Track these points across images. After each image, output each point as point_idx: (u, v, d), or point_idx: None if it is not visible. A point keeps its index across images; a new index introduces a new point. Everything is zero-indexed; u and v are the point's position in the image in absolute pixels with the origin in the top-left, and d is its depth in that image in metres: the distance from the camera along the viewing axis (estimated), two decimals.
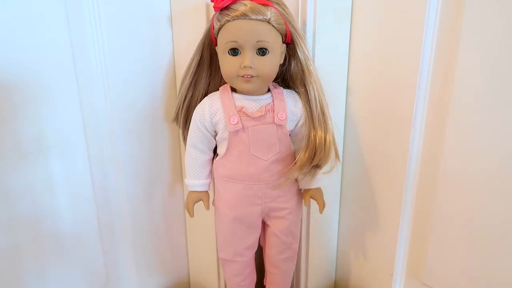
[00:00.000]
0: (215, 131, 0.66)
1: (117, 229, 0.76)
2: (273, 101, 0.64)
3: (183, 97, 0.68)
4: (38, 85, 0.60)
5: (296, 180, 0.70)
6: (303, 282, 0.87)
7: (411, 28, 0.64)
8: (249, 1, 0.56)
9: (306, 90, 0.63)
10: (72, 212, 0.68)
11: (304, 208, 0.78)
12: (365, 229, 0.83)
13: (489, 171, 0.61)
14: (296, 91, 0.66)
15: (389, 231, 0.77)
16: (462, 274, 0.68)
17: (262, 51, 0.58)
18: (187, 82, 0.67)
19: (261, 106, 0.63)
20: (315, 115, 0.63)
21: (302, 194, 0.72)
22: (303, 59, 0.62)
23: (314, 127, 0.63)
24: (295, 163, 0.64)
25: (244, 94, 0.64)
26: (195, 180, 0.69)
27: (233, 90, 0.65)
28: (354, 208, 0.84)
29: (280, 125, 0.64)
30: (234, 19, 0.57)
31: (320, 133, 0.62)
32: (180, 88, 0.69)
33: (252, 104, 0.63)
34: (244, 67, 0.58)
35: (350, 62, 0.75)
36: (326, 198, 0.72)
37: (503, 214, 0.61)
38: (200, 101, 0.67)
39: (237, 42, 0.58)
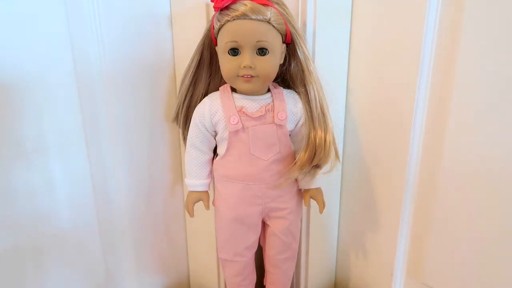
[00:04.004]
0: (215, 131, 0.66)
1: (117, 229, 0.76)
2: (273, 101, 0.64)
3: (183, 97, 0.68)
4: (38, 85, 0.60)
5: (296, 180, 0.70)
6: (303, 282, 0.87)
7: (411, 28, 0.64)
8: (249, 1, 0.56)
9: (306, 90, 0.63)
10: (72, 212, 0.68)
11: (304, 208, 0.78)
12: (365, 229, 0.83)
13: (489, 171, 0.61)
14: (296, 91, 0.66)
15: (389, 231, 0.77)
16: (462, 274, 0.68)
17: (262, 51, 0.58)
18: (187, 82, 0.67)
19: (261, 106, 0.63)
20: (315, 115, 0.63)
21: (302, 194, 0.72)
22: (303, 59, 0.62)
23: (314, 127, 0.63)
24: (295, 163, 0.64)
25: (244, 94, 0.64)
26: (195, 180, 0.69)
27: (233, 90, 0.65)
28: (354, 208, 0.84)
29: (280, 125, 0.64)
30: (234, 19, 0.57)
31: (320, 133, 0.62)
32: (180, 88, 0.69)
33: (252, 104, 0.63)
34: (244, 67, 0.58)
35: (350, 62, 0.75)
36: (326, 198, 0.72)
37: (503, 214, 0.61)
38: (200, 101, 0.67)
39: (237, 42, 0.58)
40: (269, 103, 0.64)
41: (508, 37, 0.55)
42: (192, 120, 0.66)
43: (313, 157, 0.63)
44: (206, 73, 0.67)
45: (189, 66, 0.66)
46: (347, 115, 0.78)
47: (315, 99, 0.63)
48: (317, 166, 0.66)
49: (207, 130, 0.66)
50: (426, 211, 0.70)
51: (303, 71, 0.63)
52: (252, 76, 0.59)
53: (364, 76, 0.74)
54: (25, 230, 0.63)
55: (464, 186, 0.64)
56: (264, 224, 0.73)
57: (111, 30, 0.65)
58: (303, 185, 0.70)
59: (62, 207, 0.67)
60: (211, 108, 0.64)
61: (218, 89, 0.66)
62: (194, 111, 0.66)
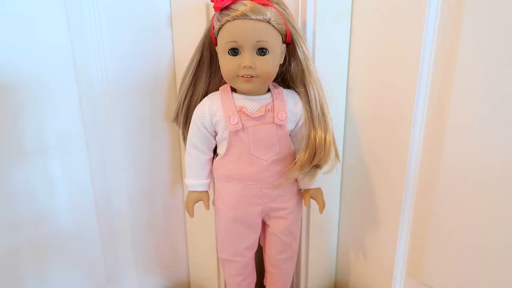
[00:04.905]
0: (215, 131, 0.66)
1: (117, 229, 0.76)
2: (273, 101, 0.64)
3: (183, 97, 0.68)
4: (38, 85, 0.60)
5: (296, 180, 0.70)
6: (303, 282, 0.87)
7: (411, 28, 0.64)
8: (249, 1, 0.56)
9: (306, 90, 0.63)
10: (72, 212, 0.68)
11: (304, 208, 0.78)
12: (365, 229, 0.83)
13: (489, 171, 0.61)
14: (296, 91, 0.66)
15: (389, 231, 0.77)
16: (462, 274, 0.68)
17: (262, 51, 0.58)
18: (187, 82, 0.67)
19: (261, 106, 0.63)
20: (315, 115, 0.63)
21: (302, 194, 0.72)
22: (303, 59, 0.62)
23: (314, 127, 0.63)
24: (295, 163, 0.64)
25: (244, 94, 0.64)
26: (195, 180, 0.69)
27: (233, 90, 0.65)
28: (354, 208, 0.84)
29: (280, 125, 0.64)
30: (234, 19, 0.57)
31: (320, 133, 0.62)
32: (180, 88, 0.69)
33: (252, 104, 0.63)
34: (244, 67, 0.58)
35: (350, 62, 0.75)
36: (326, 198, 0.72)
37: (503, 213, 0.61)
38: (200, 101, 0.67)
39: (237, 42, 0.58)
40: (269, 103, 0.64)
41: (508, 38, 0.55)
42: (192, 120, 0.66)
43: (313, 157, 0.63)
44: (206, 73, 0.67)
45: (189, 66, 0.66)
46: (347, 115, 0.78)
47: (315, 99, 0.63)
48: (317, 166, 0.66)
49: (207, 130, 0.66)
50: (426, 211, 0.70)
51: (303, 71, 0.63)
52: (252, 76, 0.59)
53: (364, 76, 0.74)
54: (25, 230, 0.63)
55: (464, 186, 0.64)
56: (264, 224, 0.73)
57: (111, 31, 0.65)
58: (303, 185, 0.70)
59: (62, 207, 0.67)
60: (211, 108, 0.64)
61: (218, 89, 0.66)
62: (194, 111, 0.66)
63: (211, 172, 0.71)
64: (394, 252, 0.76)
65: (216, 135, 0.67)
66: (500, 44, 0.56)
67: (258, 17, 0.56)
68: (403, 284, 0.78)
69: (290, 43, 0.62)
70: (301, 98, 0.65)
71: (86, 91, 0.65)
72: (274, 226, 0.71)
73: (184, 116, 0.70)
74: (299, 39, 0.61)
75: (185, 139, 0.72)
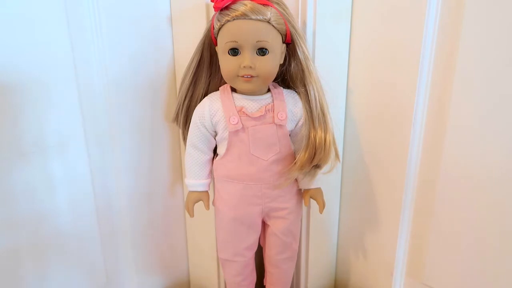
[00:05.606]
0: (215, 131, 0.66)
1: (117, 229, 0.76)
2: (273, 101, 0.64)
3: (183, 97, 0.68)
4: (38, 85, 0.60)
5: (296, 180, 0.70)
6: (303, 282, 0.87)
7: (411, 28, 0.64)
8: (249, 1, 0.56)
9: (306, 90, 0.63)
10: (72, 212, 0.68)
11: (304, 208, 0.78)
12: (365, 229, 0.83)
13: (489, 171, 0.61)
14: (296, 91, 0.66)
15: (389, 231, 0.77)
16: (462, 274, 0.68)
17: (262, 51, 0.58)
18: (187, 82, 0.67)
19: (261, 106, 0.63)
20: (315, 115, 0.63)
21: (302, 194, 0.72)
22: (303, 59, 0.62)
23: (314, 127, 0.63)
24: (295, 163, 0.64)
25: (244, 94, 0.64)
26: (195, 180, 0.69)
27: (233, 90, 0.65)
28: (354, 208, 0.84)
29: (280, 125, 0.64)
30: (234, 19, 0.57)
31: (320, 133, 0.62)
32: (180, 88, 0.69)
33: (252, 104, 0.63)
34: (244, 67, 0.58)
35: (350, 62, 0.75)
36: (326, 198, 0.72)
37: (503, 213, 0.61)
38: (200, 101, 0.67)
39: (237, 42, 0.58)
40: (269, 103, 0.64)
41: (508, 38, 0.55)
42: (192, 120, 0.66)
43: (313, 157, 0.63)
44: (206, 73, 0.67)
45: (189, 66, 0.66)
46: (347, 115, 0.78)
47: (315, 99, 0.63)
48: (317, 166, 0.66)
49: (207, 130, 0.66)
50: (426, 211, 0.70)
51: (303, 71, 0.63)
52: (252, 76, 0.59)
53: (364, 76, 0.74)
54: (25, 230, 0.63)
55: (464, 186, 0.64)
56: (264, 224, 0.73)
57: (111, 30, 0.65)
58: (303, 185, 0.70)
59: (62, 207, 0.67)
60: (211, 108, 0.64)
61: (218, 89, 0.66)
62: (194, 111, 0.66)
63: (211, 172, 0.71)
64: (394, 252, 0.76)
65: (216, 135, 0.67)
66: (500, 44, 0.56)
67: (258, 17, 0.56)
68: (403, 284, 0.78)
69: (290, 43, 0.62)
70: (301, 98, 0.65)
71: (86, 91, 0.65)
72: (274, 226, 0.71)
73: (184, 116, 0.70)
74: (299, 39, 0.61)
75: (185, 139, 0.72)
